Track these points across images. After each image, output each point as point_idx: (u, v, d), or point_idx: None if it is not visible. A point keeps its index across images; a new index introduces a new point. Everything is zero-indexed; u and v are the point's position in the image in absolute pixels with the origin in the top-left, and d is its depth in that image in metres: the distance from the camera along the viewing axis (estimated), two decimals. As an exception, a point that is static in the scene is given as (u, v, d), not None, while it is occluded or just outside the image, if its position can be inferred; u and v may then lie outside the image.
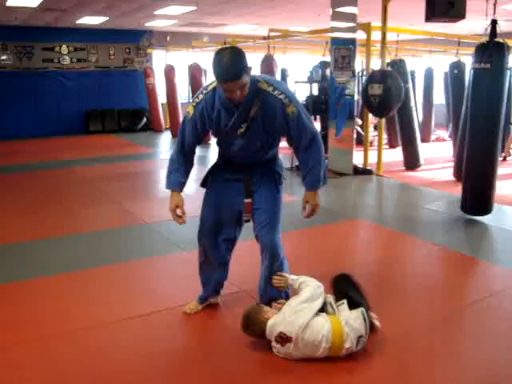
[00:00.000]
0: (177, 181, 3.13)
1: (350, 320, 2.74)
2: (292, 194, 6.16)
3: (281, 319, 2.76)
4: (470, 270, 4.39)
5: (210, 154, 10.56)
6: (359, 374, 2.71)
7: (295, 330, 2.68)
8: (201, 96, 2.93)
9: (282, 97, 2.85)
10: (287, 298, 3.10)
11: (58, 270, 4.24)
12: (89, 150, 11.19)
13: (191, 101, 3.00)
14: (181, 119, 11.27)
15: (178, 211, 3.18)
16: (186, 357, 2.95)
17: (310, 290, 2.85)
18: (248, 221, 3.18)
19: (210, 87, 2.92)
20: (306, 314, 2.72)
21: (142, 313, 3.44)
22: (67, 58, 13.65)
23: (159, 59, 14.66)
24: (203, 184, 3.34)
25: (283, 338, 2.71)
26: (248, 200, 3.11)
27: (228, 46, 2.94)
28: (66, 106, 13.76)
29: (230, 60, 2.65)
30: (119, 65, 14.46)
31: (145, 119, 14.38)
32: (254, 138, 2.96)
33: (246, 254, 3.87)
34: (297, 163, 8.26)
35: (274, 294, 3.15)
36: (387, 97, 7.28)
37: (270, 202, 3.12)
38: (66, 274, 4.16)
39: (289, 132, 2.95)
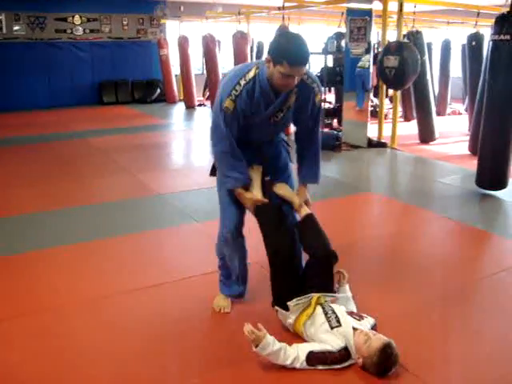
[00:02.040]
0: (244, 170, 2.85)
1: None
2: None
3: None
4: (483, 244, 4.36)
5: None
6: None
7: None
8: (239, 87, 2.63)
9: (314, 85, 2.77)
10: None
11: (71, 240, 4.28)
12: (102, 121, 11.20)
13: (227, 93, 2.66)
14: (194, 91, 11.14)
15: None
16: (198, 326, 2.98)
17: None
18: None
19: (250, 76, 2.65)
20: None
21: (155, 283, 3.48)
22: (80, 28, 13.56)
23: (173, 30, 14.54)
24: (213, 172, 3.10)
25: None
26: (267, 178, 3.02)
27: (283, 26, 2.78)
28: (80, 78, 13.72)
29: (303, 43, 2.52)
30: (133, 35, 14.35)
31: (158, 90, 14.32)
32: (284, 123, 2.91)
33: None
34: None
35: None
36: (403, 69, 7.16)
37: (286, 172, 3.10)
38: (79, 244, 4.20)
39: (308, 119, 2.88)
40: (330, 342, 2.51)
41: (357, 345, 2.47)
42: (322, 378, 2.46)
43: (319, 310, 2.64)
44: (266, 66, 2.59)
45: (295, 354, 2.50)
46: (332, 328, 2.54)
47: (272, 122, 2.80)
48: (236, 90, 2.63)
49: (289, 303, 2.68)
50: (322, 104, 2.94)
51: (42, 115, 11.99)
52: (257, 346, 2.47)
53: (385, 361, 2.41)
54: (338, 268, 2.93)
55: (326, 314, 2.61)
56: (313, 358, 2.49)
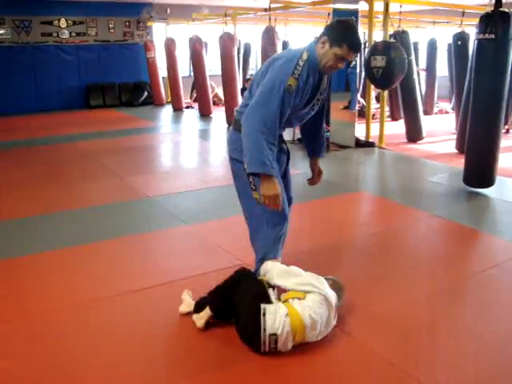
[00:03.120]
0: (276, 167, 2.78)
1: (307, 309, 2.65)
2: (294, 168, 6.14)
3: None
4: (472, 242, 4.39)
5: (211, 127, 10.53)
6: (360, 347, 2.72)
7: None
8: (299, 67, 2.70)
9: None
10: None
11: (59, 244, 4.25)
12: (90, 124, 11.14)
13: (289, 72, 2.69)
14: (182, 93, 11.06)
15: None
16: (187, 329, 2.96)
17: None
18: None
19: (305, 57, 2.73)
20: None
21: (144, 286, 3.46)
22: (66, 31, 13.47)
23: (159, 32, 14.50)
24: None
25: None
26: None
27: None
28: (66, 81, 13.63)
29: (359, 34, 2.79)
30: (119, 38, 14.29)
31: (146, 93, 14.28)
32: (316, 109, 3.03)
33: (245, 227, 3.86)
34: (299, 136, 8.23)
35: None
36: (390, 69, 7.19)
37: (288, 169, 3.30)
38: (67, 248, 4.17)
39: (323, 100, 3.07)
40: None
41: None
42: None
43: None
44: (320, 47, 2.74)
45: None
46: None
47: (311, 106, 2.92)
48: (297, 70, 2.70)
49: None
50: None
51: (29, 119, 11.91)
52: None
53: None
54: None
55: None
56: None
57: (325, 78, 2.90)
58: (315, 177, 3.36)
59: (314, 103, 2.93)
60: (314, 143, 3.31)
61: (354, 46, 2.72)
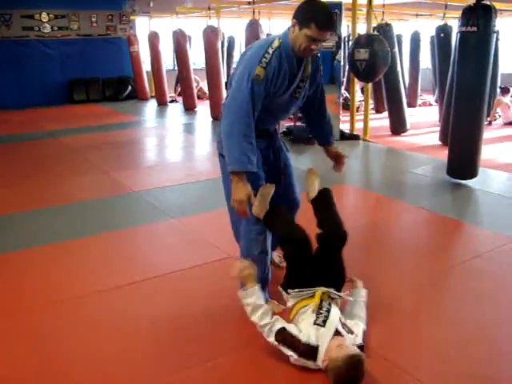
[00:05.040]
0: (254, 161, 2.59)
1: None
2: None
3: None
4: (455, 232, 4.44)
5: (196, 121, 10.51)
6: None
7: None
8: (268, 55, 2.58)
9: (318, 55, 2.86)
10: None
11: (46, 240, 4.23)
12: (74, 119, 11.05)
13: (256, 61, 2.58)
14: (166, 87, 11.02)
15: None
16: (174, 323, 2.97)
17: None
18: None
19: (276, 44, 2.62)
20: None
21: (131, 281, 3.46)
22: (48, 25, 13.33)
23: (143, 26, 14.42)
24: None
25: None
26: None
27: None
28: (49, 76, 13.49)
29: (331, 10, 2.60)
30: (102, 32, 14.17)
31: (130, 87, 14.20)
32: (303, 97, 2.89)
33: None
34: (283, 129, 8.25)
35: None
36: (374, 61, 7.22)
37: (290, 163, 3.19)
38: (54, 244, 4.15)
39: (317, 90, 2.99)
40: (304, 332, 2.48)
41: (329, 346, 2.38)
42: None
43: (317, 304, 2.60)
44: (291, 31, 2.61)
45: (272, 321, 2.50)
46: (314, 324, 2.49)
47: (296, 96, 2.80)
48: (266, 58, 2.58)
49: (290, 290, 2.67)
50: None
51: (11, 115, 11.78)
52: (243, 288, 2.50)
53: (349, 368, 2.27)
54: (349, 276, 2.90)
55: (319, 308, 2.56)
56: (282, 334, 2.46)
57: (308, 64, 2.76)
58: (338, 164, 3.27)
59: (296, 91, 2.77)
60: (322, 131, 3.21)
61: (322, 23, 2.52)
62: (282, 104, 2.79)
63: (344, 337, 2.45)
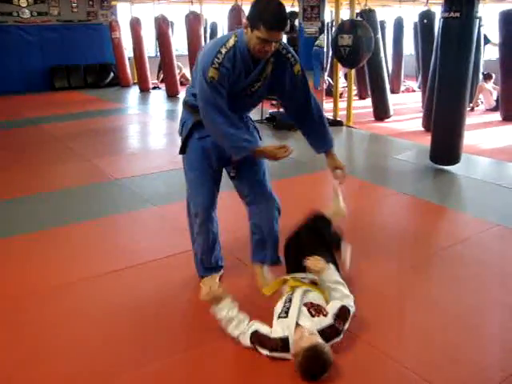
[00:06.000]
0: (252, 139, 2.77)
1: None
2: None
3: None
4: (438, 218, 4.46)
5: (179, 108, 10.42)
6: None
7: None
8: (221, 56, 2.55)
9: (289, 56, 2.73)
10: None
11: (28, 228, 4.19)
12: (55, 107, 10.91)
13: (209, 62, 2.56)
14: (148, 73, 10.90)
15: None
16: (159, 310, 2.96)
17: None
18: (234, 177, 2.97)
19: (230, 44, 2.58)
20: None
21: (115, 268, 3.44)
22: (27, 11, 13.07)
23: (124, 12, 14.22)
24: (182, 150, 2.99)
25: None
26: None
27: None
28: (29, 63, 13.26)
29: (281, 7, 2.49)
30: (83, 18, 13.95)
31: (112, 74, 14.04)
32: (260, 96, 2.84)
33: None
34: (267, 115, 8.23)
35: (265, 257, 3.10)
36: (357, 47, 7.21)
37: (260, 160, 3.00)
38: (36, 232, 4.11)
39: (295, 93, 2.83)
40: (274, 328, 2.49)
41: (294, 340, 2.38)
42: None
43: (287, 294, 2.64)
44: (245, 32, 2.55)
45: (244, 329, 2.52)
46: (278, 317, 2.52)
47: (248, 93, 2.73)
48: (218, 58, 2.55)
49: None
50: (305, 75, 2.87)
51: (-10, 102, 11.61)
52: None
53: (308, 362, 2.27)
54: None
55: (284, 301, 2.59)
56: (255, 337, 2.49)
57: (269, 64, 2.67)
58: (337, 174, 3.12)
59: (247, 89, 2.70)
60: (316, 136, 3.01)
61: (270, 24, 2.42)
62: (230, 100, 2.69)
63: (304, 326, 2.42)
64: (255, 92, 2.75)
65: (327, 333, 2.43)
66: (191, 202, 3.06)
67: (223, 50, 2.56)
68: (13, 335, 2.74)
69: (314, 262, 2.69)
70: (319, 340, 2.35)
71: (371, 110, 8.82)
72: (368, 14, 8.40)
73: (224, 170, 3.02)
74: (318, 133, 2.99)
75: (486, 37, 10.08)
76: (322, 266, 2.67)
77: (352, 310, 2.58)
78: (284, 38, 10.09)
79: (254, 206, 3.02)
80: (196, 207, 3.01)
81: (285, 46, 2.74)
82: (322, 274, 2.66)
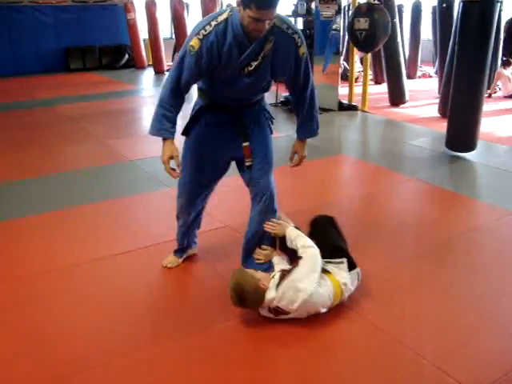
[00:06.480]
0: (169, 127, 2.70)
1: (349, 284, 2.68)
2: (276, 131, 6.11)
3: (280, 295, 2.52)
4: (453, 205, 4.42)
5: (193, 90, 10.39)
6: (345, 310, 2.74)
7: (294, 308, 2.53)
8: (209, 28, 2.51)
9: (295, 36, 2.64)
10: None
11: (40, 209, 4.21)
12: (70, 88, 10.94)
13: (195, 32, 2.54)
14: (163, 55, 10.94)
15: (172, 163, 2.74)
16: (171, 291, 2.97)
17: (310, 262, 2.60)
18: (250, 166, 2.88)
19: (222, 18, 2.53)
20: (307, 291, 2.50)
21: (127, 249, 3.45)
22: (42, -9, 13.12)
23: (140, -7, 14.18)
24: (186, 132, 2.96)
25: (279, 311, 2.58)
26: (246, 143, 2.86)
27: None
28: (44, 43, 13.30)
29: None
30: (98, -1, 13.96)
31: (127, 56, 14.04)
32: (261, 77, 2.72)
33: (231, 189, 3.85)
34: (281, 99, 8.18)
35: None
36: (373, 31, 7.11)
37: (264, 143, 2.95)
38: (50, 213, 4.14)
39: (296, 75, 2.77)
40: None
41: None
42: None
43: None
44: (238, 11, 2.48)
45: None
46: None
47: (246, 73, 2.64)
48: (205, 30, 2.51)
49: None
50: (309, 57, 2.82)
51: (6, 83, 11.66)
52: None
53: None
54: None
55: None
56: None
57: (268, 43, 2.57)
58: (293, 158, 3.07)
59: (245, 68, 2.61)
60: (302, 122, 2.98)
61: (260, 4, 2.34)
62: (228, 80, 2.68)
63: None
64: (254, 72, 2.65)
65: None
66: (180, 186, 3.05)
67: (213, 23, 2.52)
68: (22, 315, 2.76)
69: (270, 227, 2.87)
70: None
71: (387, 95, 8.73)
72: (385, -2, 8.28)
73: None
74: (304, 120, 2.96)
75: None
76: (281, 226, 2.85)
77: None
78: (300, 22, 10.04)
79: (253, 203, 3.00)
80: (182, 195, 3.06)
81: (290, 25, 2.65)
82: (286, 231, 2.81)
